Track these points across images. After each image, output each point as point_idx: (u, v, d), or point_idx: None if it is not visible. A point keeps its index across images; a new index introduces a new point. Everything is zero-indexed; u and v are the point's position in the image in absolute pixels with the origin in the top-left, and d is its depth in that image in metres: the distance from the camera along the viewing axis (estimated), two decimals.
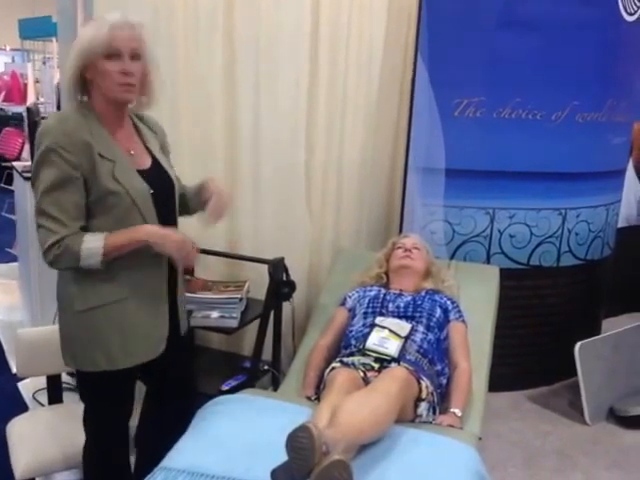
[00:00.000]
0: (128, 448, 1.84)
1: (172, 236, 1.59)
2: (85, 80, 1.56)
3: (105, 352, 1.61)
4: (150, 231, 1.59)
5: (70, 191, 1.50)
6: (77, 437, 1.81)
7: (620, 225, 3.52)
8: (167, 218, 1.68)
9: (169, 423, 1.86)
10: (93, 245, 1.52)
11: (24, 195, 3.16)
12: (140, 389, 1.92)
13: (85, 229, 1.55)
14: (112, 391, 1.71)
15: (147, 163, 1.68)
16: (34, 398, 2.63)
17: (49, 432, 1.99)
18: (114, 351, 1.62)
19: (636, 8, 2.98)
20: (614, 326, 3.23)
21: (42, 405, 2.45)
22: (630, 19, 2.96)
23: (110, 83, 1.53)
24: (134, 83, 1.56)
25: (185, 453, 1.63)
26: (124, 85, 1.54)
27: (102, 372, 1.63)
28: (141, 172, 1.63)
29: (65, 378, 2.29)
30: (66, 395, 2.23)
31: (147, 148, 1.71)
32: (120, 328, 1.62)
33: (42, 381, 2.21)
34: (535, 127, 2.85)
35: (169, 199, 1.72)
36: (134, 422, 1.96)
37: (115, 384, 1.69)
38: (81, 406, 1.77)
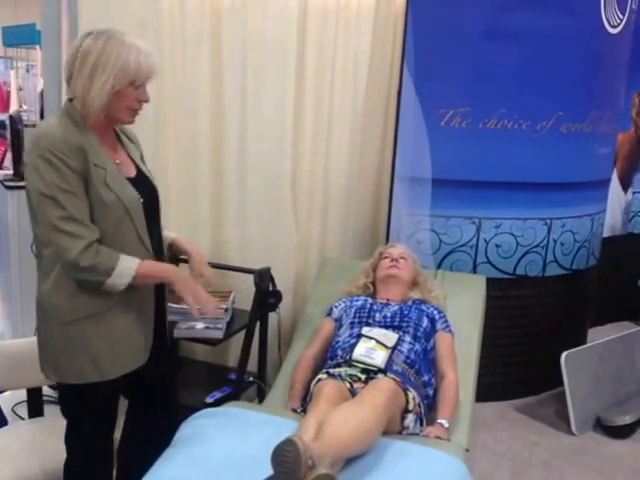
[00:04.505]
0: (112, 464, 1.81)
1: (195, 290, 1.65)
2: None
3: (94, 363, 1.59)
4: (180, 276, 1.65)
5: (79, 195, 1.49)
6: (58, 452, 1.77)
7: (605, 235, 3.55)
8: (152, 227, 1.68)
9: (152, 436, 1.83)
10: (129, 265, 1.53)
11: (5, 204, 3.11)
12: (123, 401, 1.89)
13: None
14: (97, 404, 1.68)
15: (132, 172, 1.68)
16: (13, 411, 2.58)
17: (29, 447, 1.94)
18: (103, 361, 1.59)
19: (619, 21, 3.02)
20: (600, 335, 3.24)
21: (22, 419, 2.40)
22: (613, 31, 2.99)
23: (123, 107, 1.56)
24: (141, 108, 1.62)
25: (168, 467, 1.60)
26: (135, 111, 1.60)
27: (87, 384, 1.60)
28: (129, 180, 1.63)
29: (46, 391, 2.25)
30: (47, 408, 2.18)
31: (130, 158, 1.71)
32: (108, 338, 1.60)
33: (22, 394, 2.17)
34: (520, 137, 2.86)
35: (155, 208, 1.72)
36: (117, 435, 1.93)
37: (101, 396, 1.66)
38: (62, 420, 1.73)
